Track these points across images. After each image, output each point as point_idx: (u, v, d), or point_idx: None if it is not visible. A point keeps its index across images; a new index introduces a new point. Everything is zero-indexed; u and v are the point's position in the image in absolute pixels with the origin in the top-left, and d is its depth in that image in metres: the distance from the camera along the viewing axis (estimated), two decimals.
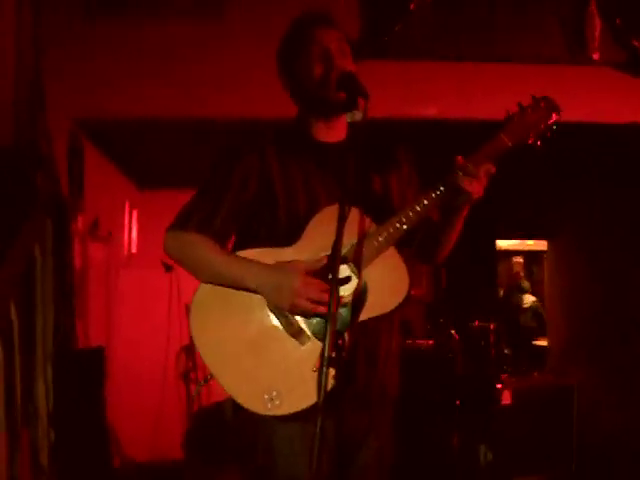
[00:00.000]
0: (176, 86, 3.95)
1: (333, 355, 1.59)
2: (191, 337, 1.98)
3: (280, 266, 1.92)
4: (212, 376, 1.98)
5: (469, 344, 5.32)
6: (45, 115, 3.39)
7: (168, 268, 5.41)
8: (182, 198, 5.99)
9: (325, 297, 1.86)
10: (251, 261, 1.95)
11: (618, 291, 5.38)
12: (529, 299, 8.49)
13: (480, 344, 5.51)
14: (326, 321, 1.85)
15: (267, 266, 1.92)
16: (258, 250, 1.99)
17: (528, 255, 9.44)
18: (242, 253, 1.99)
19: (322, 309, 1.86)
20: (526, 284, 8.66)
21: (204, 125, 4.43)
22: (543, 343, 7.60)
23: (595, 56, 3.80)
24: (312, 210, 1.99)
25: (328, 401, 1.55)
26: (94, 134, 4.23)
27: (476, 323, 5.48)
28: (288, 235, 1.99)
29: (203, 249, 1.99)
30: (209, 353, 1.96)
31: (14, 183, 3.31)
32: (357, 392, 1.98)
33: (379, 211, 2.02)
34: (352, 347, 1.93)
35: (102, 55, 3.68)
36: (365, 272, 1.94)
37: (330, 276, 1.72)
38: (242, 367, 1.93)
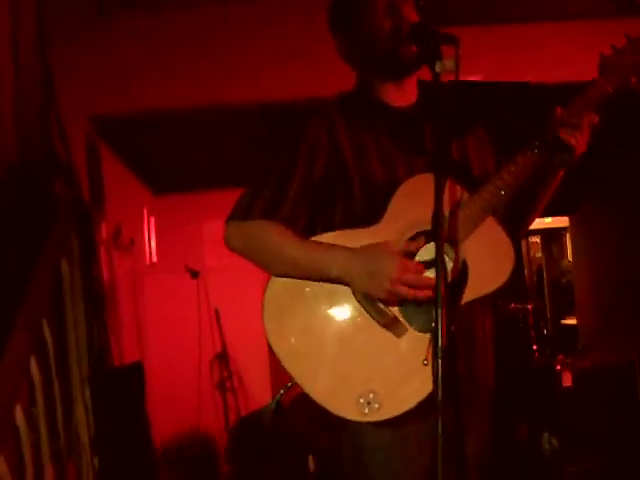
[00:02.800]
0: (194, 76, 3.70)
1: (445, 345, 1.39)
2: (268, 345, 1.72)
3: (369, 249, 1.67)
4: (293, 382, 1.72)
5: (508, 328, 5.08)
6: (59, 116, 3.13)
7: (194, 274, 5.19)
8: (198, 202, 5.79)
9: (425, 281, 1.60)
10: (333, 246, 1.70)
11: None
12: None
13: (519, 327, 5.27)
14: (424, 307, 1.65)
15: (354, 250, 1.68)
16: (335, 233, 1.75)
17: (545, 233, 9.19)
18: (316, 238, 1.74)
19: (423, 294, 1.61)
20: (566, 262, 8.40)
21: (224, 115, 4.20)
22: (571, 322, 7.41)
23: None
24: (391, 183, 1.75)
25: (443, 397, 1.37)
26: (109, 134, 3.99)
27: (512, 305, 5.22)
28: (367, 212, 1.75)
29: (274, 237, 1.74)
30: (290, 357, 1.71)
31: (32, 193, 3.06)
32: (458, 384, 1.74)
33: (461, 179, 1.77)
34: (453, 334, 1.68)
35: (116, 50, 3.43)
36: (463, 248, 1.69)
37: (431, 256, 1.57)
38: (330, 369, 1.69)
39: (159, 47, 3.55)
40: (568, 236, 7.35)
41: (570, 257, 7.54)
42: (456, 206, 1.70)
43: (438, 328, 1.41)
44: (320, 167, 1.78)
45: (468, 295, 1.69)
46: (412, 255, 1.69)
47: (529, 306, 5.39)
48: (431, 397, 1.62)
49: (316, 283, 1.71)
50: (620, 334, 5.54)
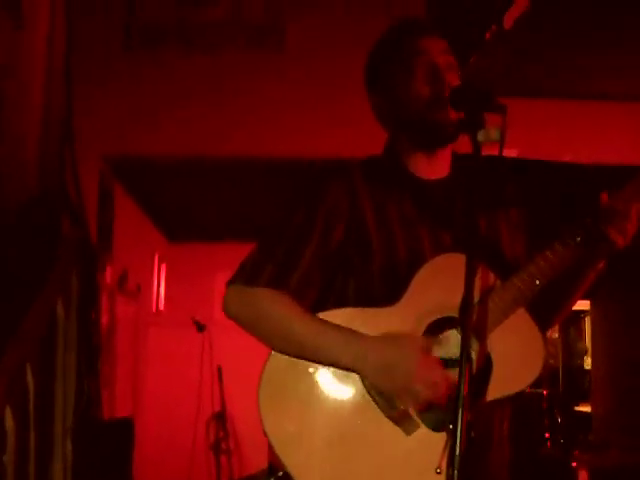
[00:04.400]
0: (217, 125, 3.61)
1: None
2: (264, 432, 1.52)
3: (388, 340, 1.50)
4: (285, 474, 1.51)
5: (520, 413, 4.83)
6: (73, 152, 3.02)
7: (200, 327, 5.02)
8: (213, 252, 5.66)
9: (445, 383, 1.46)
10: (345, 330, 1.51)
11: None
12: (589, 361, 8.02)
13: (532, 413, 5.05)
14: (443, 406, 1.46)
15: (370, 339, 1.50)
16: (348, 311, 1.57)
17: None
18: (327, 315, 1.56)
19: (441, 398, 1.46)
20: (582, 345, 8.18)
21: (244, 167, 4.11)
22: (586, 409, 7.14)
23: None
24: (414, 262, 1.58)
25: None
26: (125, 175, 3.90)
27: (527, 389, 4.96)
28: (384, 291, 1.57)
29: (281, 311, 1.56)
30: (284, 443, 1.50)
31: (38, 230, 2.94)
32: None
33: (490, 262, 1.59)
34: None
35: (139, 89, 3.34)
36: (489, 341, 1.51)
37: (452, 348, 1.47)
38: (328, 465, 1.49)
39: (184, 90, 3.46)
40: (587, 319, 7.18)
41: (588, 341, 7.36)
42: (485, 294, 1.52)
43: (457, 433, 1.23)
44: (337, 236, 1.62)
45: (490, 395, 1.51)
46: (441, 350, 1.53)
47: (544, 392, 5.16)
48: None
49: (322, 366, 1.53)
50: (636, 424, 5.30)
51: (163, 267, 5.43)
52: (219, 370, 5.08)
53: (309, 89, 3.55)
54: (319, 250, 1.60)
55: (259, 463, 5.20)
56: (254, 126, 3.68)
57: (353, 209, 1.62)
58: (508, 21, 3.11)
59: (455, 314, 1.54)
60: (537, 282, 1.53)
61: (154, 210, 4.91)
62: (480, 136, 1.41)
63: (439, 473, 1.43)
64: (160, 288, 5.32)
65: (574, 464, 3.98)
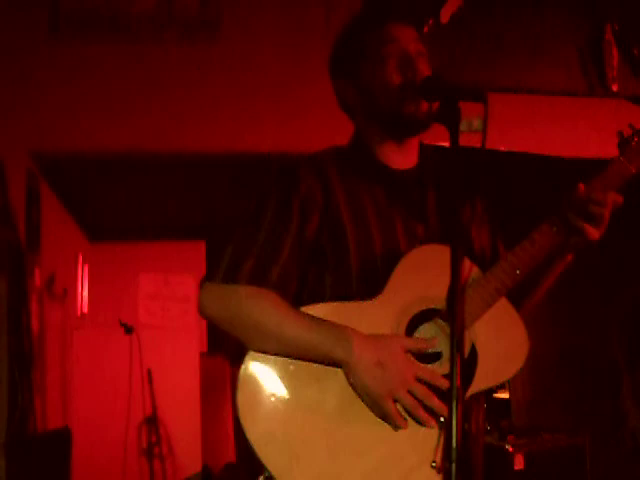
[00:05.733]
0: (146, 121, 3.48)
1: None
2: (245, 436, 1.45)
3: (380, 340, 1.47)
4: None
5: None
6: None
7: (128, 330, 4.86)
8: (136, 252, 5.46)
9: (430, 395, 1.45)
10: (339, 325, 1.47)
11: (578, 340, 5.20)
12: None
13: None
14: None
15: (364, 337, 1.46)
16: (329, 306, 1.53)
17: None
18: (308, 309, 1.52)
19: (423, 413, 1.45)
20: None
21: (170, 163, 3.98)
22: (504, 396, 7.36)
23: (614, 87, 3.52)
24: (390, 254, 1.56)
25: None
26: (51, 173, 3.69)
27: None
28: (362, 285, 1.55)
29: (267, 308, 1.50)
30: (264, 445, 1.44)
31: None
32: None
33: (467, 254, 1.59)
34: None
35: (69, 79, 3.16)
36: (472, 332, 1.50)
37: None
38: (313, 463, 1.44)
39: (117, 82, 3.29)
40: None
41: None
42: (467, 284, 1.51)
43: (452, 425, 1.22)
44: (313, 226, 1.57)
45: (477, 386, 1.50)
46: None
47: None
48: None
49: (302, 362, 1.48)
50: (555, 411, 5.51)
51: (86, 268, 5.21)
52: (149, 373, 4.92)
53: (242, 82, 3.47)
54: (298, 241, 1.55)
55: (193, 467, 5.10)
56: (183, 121, 3.56)
57: (327, 200, 1.58)
58: (445, 15, 3.14)
59: (436, 306, 1.53)
60: (518, 272, 1.54)
61: (78, 209, 4.70)
62: (463, 126, 1.39)
63: (434, 467, 1.41)
64: (83, 290, 5.10)
65: (510, 449, 4.06)
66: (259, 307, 1.49)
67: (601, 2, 3.56)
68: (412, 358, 1.47)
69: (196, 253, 5.68)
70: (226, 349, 5.81)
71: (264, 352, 1.47)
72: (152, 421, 4.83)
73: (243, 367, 1.48)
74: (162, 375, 5.00)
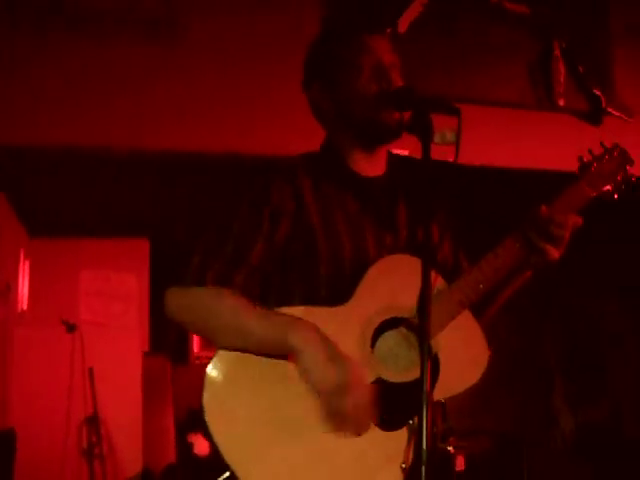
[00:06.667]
0: (92, 114, 3.41)
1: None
2: (210, 436, 1.46)
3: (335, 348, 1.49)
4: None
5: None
6: None
7: (70, 328, 4.77)
8: (77, 248, 5.34)
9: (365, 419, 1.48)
10: (299, 318, 1.51)
11: (513, 344, 5.39)
12: None
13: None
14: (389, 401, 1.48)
15: (320, 332, 1.49)
16: (298, 309, 1.55)
17: None
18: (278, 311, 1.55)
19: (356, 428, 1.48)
20: None
21: (114, 160, 3.92)
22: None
23: (561, 102, 3.65)
24: (359, 262, 1.60)
25: None
26: None
27: None
28: (331, 291, 1.59)
29: (228, 303, 1.53)
30: (229, 444, 1.46)
31: None
32: None
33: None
34: None
35: (9, 75, 3.08)
36: (435, 342, 1.54)
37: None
38: (277, 466, 1.46)
39: (66, 76, 3.22)
40: None
41: None
42: (433, 296, 1.55)
43: (423, 429, 1.26)
44: (282, 235, 1.60)
45: (439, 394, 1.54)
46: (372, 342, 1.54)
47: None
48: None
49: (269, 362, 1.50)
50: (490, 414, 5.65)
51: (27, 264, 5.08)
52: (90, 372, 4.84)
53: (199, 82, 3.45)
54: (266, 247, 1.58)
55: (133, 467, 5.04)
56: (130, 117, 3.51)
57: (298, 207, 1.61)
58: (403, 25, 3.19)
59: (402, 315, 1.57)
60: (481, 286, 1.59)
61: (19, 202, 4.59)
62: (437, 138, 1.43)
63: (404, 467, 1.45)
64: (24, 287, 4.98)
65: (452, 450, 4.16)
66: (221, 304, 1.52)
67: (550, 20, 3.69)
68: (368, 388, 1.48)
69: (139, 251, 5.61)
70: (167, 348, 5.76)
71: (228, 348, 1.50)
72: (93, 421, 4.75)
73: (210, 366, 1.50)
74: (104, 374, 4.92)
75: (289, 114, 3.34)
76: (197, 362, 5.88)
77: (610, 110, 3.70)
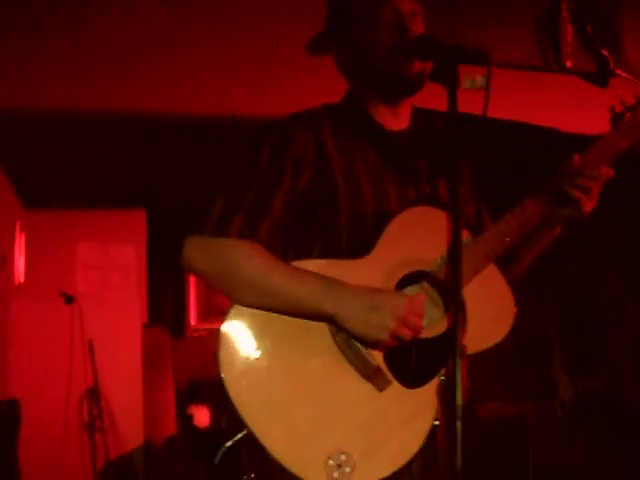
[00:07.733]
0: (90, 76, 3.33)
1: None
2: (223, 385, 1.42)
3: (372, 289, 1.46)
4: (249, 434, 1.42)
5: None
6: None
7: (68, 300, 4.71)
8: (74, 220, 5.26)
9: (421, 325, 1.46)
10: (328, 278, 1.46)
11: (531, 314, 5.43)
12: None
13: None
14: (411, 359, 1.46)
15: (356, 286, 1.45)
16: (319, 262, 1.52)
17: None
18: (298, 265, 1.51)
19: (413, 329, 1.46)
20: None
21: (118, 125, 3.85)
22: None
23: (568, 63, 3.57)
24: (381, 215, 1.56)
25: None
26: None
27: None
28: (351, 244, 1.55)
29: (255, 261, 1.48)
30: (246, 402, 1.43)
31: None
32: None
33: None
34: None
35: (3, 37, 2.98)
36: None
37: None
38: (297, 423, 1.44)
39: (60, 38, 3.11)
40: None
41: None
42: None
43: (457, 383, 1.22)
44: (304, 184, 1.55)
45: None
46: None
47: None
48: (411, 463, 1.45)
49: (289, 319, 1.46)
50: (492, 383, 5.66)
51: (23, 236, 5.01)
52: (90, 344, 4.80)
53: (201, 45, 3.35)
54: (289, 197, 1.53)
55: (134, 439, 5.02)
56: (126, 80, 3.42)
57: (319, 157, 1.57)
58: None
59: (425, 268, 1.53)
60: (507, 239, 1.55)
61: (15, 172, 4.50)
62: (466, 83, 1.37)
63: (437, 424, 1.44)
64: (20, 259, 4.92)
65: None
66: (247, 259, 1.48)
67: None
68: (413, 300, 1.46)
69: (136, 222, 5.54)
70: (166, 320, 5.72)
71: (250, 306, 1.46)
72: (94, 394, 4.72)
73: (226, 322, 1.46)
74: (103, 346, 4.88)
75: (293, 77, 3.28)
76: (195, 334, 5.84)
77: (618, 72, 3.63)
